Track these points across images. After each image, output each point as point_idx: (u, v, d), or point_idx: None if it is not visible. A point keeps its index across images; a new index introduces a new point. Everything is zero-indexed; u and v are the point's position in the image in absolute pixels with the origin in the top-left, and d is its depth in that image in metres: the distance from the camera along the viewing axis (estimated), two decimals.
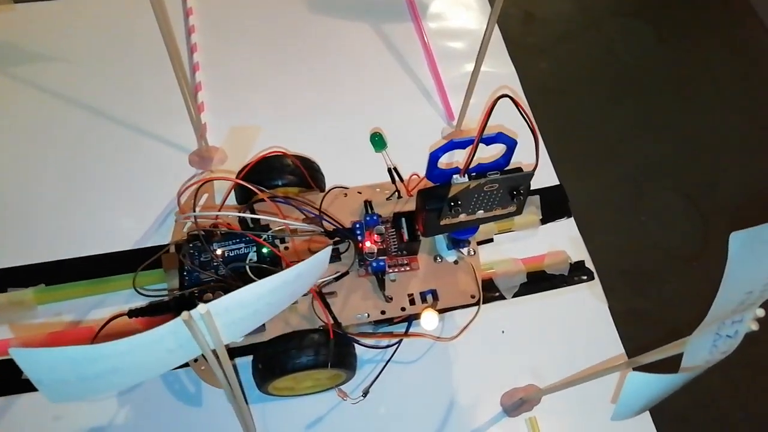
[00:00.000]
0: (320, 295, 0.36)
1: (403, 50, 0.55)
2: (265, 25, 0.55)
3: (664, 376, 0.20)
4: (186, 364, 0.36)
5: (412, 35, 0.56)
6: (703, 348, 0.21)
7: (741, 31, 0.62)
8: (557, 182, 0.49)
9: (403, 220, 0.38)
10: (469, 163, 0.33)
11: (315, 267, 0.22)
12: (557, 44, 0.59)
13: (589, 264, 0.46)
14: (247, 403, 0.37)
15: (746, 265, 0.21)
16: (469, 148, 0.34)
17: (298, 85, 0.52)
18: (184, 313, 0.18)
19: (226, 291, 0.34)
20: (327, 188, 0.42)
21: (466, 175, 0.34)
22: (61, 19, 0.52)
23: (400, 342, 0.39)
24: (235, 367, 0.35)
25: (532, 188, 0.48)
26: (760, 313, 0.19)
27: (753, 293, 0.20)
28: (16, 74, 0.49)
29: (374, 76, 0.54)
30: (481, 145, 0.34)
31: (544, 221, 0.47)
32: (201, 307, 0.18)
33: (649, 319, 0.45)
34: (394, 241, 0.39)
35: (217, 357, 0.20)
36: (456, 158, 0.49)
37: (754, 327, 0.19)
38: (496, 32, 0.57)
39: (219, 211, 0.37)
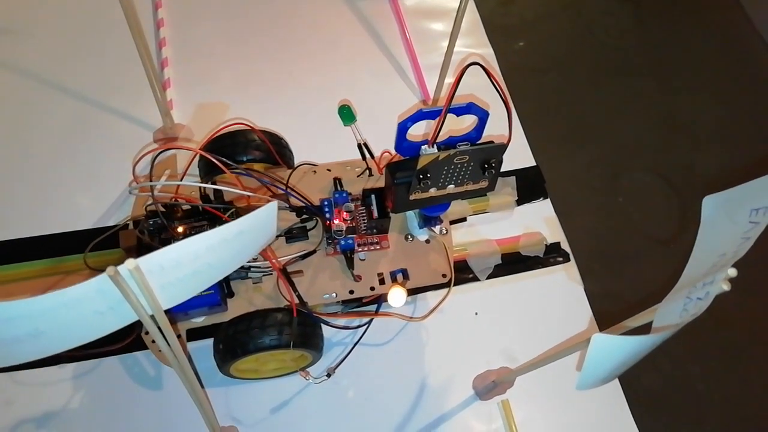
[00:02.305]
0: (284, 272, 0.34)
1: (379, 27, 0.54)
2: (234, 4, 0.53)
3: (631, 337, 0.19)
4: (145, 346, 0.35)
5: (388, 13, 0.55)
6: (674, 312, 0.19)
7: (718, 13, 0.61)
8: (534, 163, 0.48)
9: (373, 197, 0.37)
10: (437, 133, 0.32)
11: (259, 225, 0.21)
12: (536, 24, 0.58)
13: (565, 245, 0.45)
14: (201, 383, 0.35)
15: (719, 227, 0.20)
16: (438, 119, 0.32)
17: (267, 61, 0.50)
18: (110, 268, 0.16)
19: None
20: (295, 165, 0.40)
21: (435, 146, 0.32)
22: None
23: (369, 323, 0.38)
24: (182, 339, 0.34)
25: (508, 169, 0.48)
26: (732, 272, 0.18)
27: (726, 255, 0.19)
28: None
29: (348, 52, 0.52)
30: (454, 118, 0.33)
31: (519, 202, 0.46)
32: (129, 262, 0.16)
33: (624, 300, 0.44)
34: (363, 219, 0.37)
35: (156, 323, 0.19)
36: (428, 131, 0.48)
37: (726, 287, 0.18)
38: (474, 12, 0.56)
39: (178, 191, 0.35)
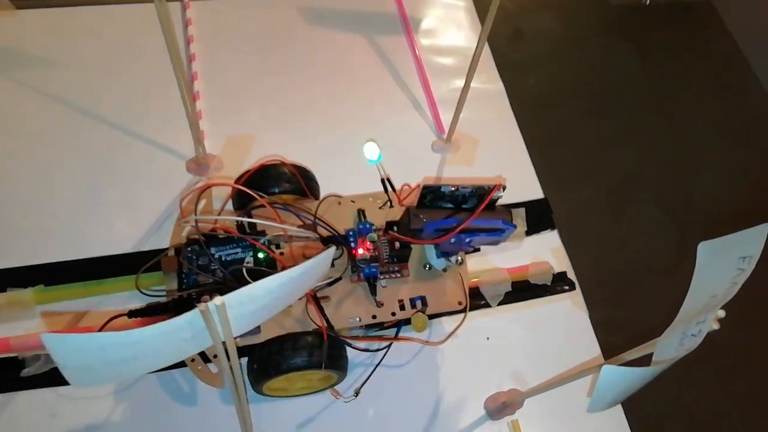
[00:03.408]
0: (315, 299, 0.37)
1: (396, 63, 0.57)
2: (261, 36, 0.57)
3: (635, 369, 0.21)
4: (182, 364, 0.38)
5: (405, 49, 0.58)
6: (671, 346, 0.22)
7: (717, 52, 0.65)
8: (542, 195, 0.51)
9: (395, 227, 0.40)
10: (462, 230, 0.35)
11: (318, 266, 0.24)
12: (544, 60, 0.61)
13: (571, 275, 0.48)
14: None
15: (711, 271, 0.23)
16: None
17: (292, 95, 0.54)
18: (202, 304, 0.19)
19: (223, 293, 0.35)
20: (321, 196, 0.43)
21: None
22: (62, 26, 0.53)
23: (389, 345, 0.41)
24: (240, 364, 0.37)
25: (518, 201, 0.51)
26: (721, 313, 0.21)
27: (716, 296, 0.22)
28: (18, 78, 0.50)
29: (367, 87, 0.55)
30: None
31: (528, 233, 0.49)
32: (217, 299, 0.19)
33: (626, 328, 0.47)
34: (386, 249, 0.40)
35: (226, 349, 0.21)
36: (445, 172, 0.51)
37: (716, 326, 0.21)
38: (486, 48, 0.59)
39: (216, 222, 0.38)
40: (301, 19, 0.58)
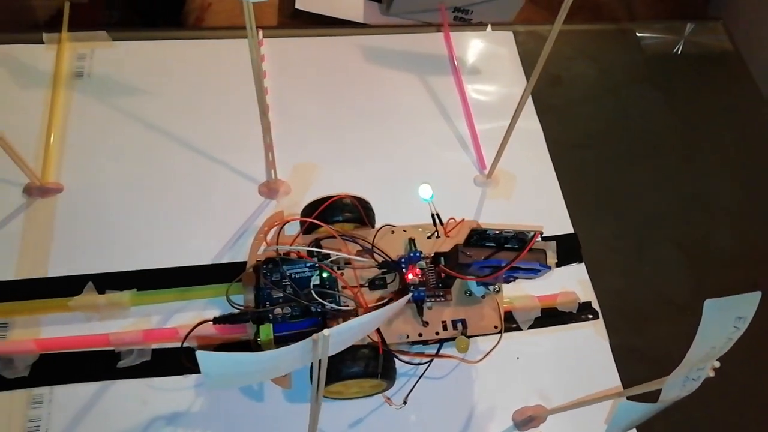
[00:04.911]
0: None
1: (444, 102, 0.63)
2: (324, 72, 0.63)
3: (646, 405, 0.27)
4: None
5: (453, 89, 0.64)
6: (676, 386, 0.28)
7: (741, 97, 0.70)
8: (571, 230, 0.57)
9: (442, 258, 0.46)
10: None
11: (394, 308, 0.30)
12: (580, 105, 0.66)
13: (595, 305, 0.53)
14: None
15: (713, 326, 0.29)
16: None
17: (351, 128, 0.60)
18: (316, 335, 0.25)
19: (292, 306, 0.42)
20: (377, 225, 0.49)
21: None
22: (154, 57, 0.60)
23: (431, 360, 0.46)
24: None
25: (549, 235, 0.56)
26: (716, 364, 0.27)
27: (715, 348, 0.27)
28: (115, 104, 0.57)
29: (418, 123, 0.61)
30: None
31: (558, 264, 0.54)
32: (326, 332, 0.25)
33: (642, 356, 0.52)
34: (432, 275, 0.46)
35: (320, 367, 0.27)
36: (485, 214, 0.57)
37: (711, 374, 0.27)
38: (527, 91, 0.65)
39: (292, 244, 0.44)
40: (361, 57, 0.64)
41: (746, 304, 0.27)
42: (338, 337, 0.26)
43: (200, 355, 0.24)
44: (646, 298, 0.55)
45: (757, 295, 0.27)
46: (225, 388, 0.32)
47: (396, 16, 0.78)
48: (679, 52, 0.71)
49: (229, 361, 0.24)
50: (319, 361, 0.28)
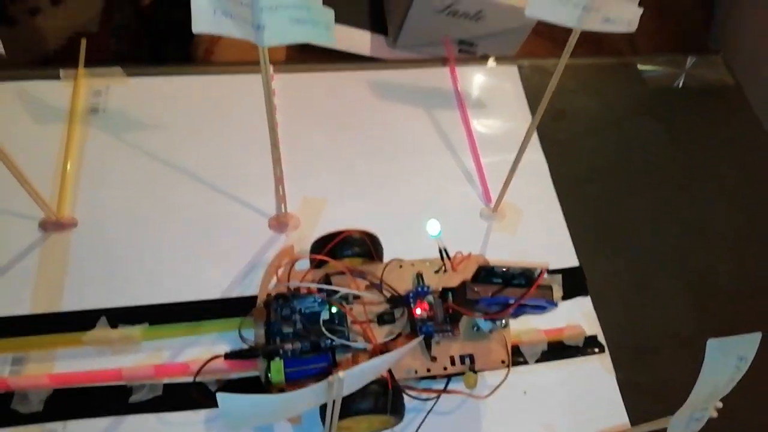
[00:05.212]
0: (383, 352, 0.44)
1: (450, 136, 0.64)
2: (333, 107, 0.65)
3: None
4: None
5: (458, 124, 0.65)
6: (681, 425, 0.28)
7: (742, 130, 0.71)
8: (577, 263, 0.57)
9: (450, 293, 0.47)
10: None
11: (405, 351, 0.31)
12: (583, 138, 0.68)
13: (601, 338, 0.53)
14: None
15: (716, 366, 0.29)
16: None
17: (359, 162, 0.61)
18: (332, 377, 0.26)
19: (302, 342, 0.42)
20: (386, 259, 0.50)
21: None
22: (167, 92, 0.62)
23: (439, 396, 0.47)
24: None
25: (555, 268, 0.57)
26: (719, 404, 0.27)
27: (718, 388, 0.28)
28: (128, 138, 0.58)
29: (425, 157, 0.62)
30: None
31: (564, 298, 0.55)
32: (341, 374, 0.26)
33: (648, 389, 0.52)
34: (440, 310, 0.47)
35: (333, 407, 0.28)
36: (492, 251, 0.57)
37: (714, 414, 0.27)
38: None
39: (302, 280, 0.45)
40: (368, 92, 0.66)
41: (747, 344, 0.28)
42: (352, 378, 0.27)
43: (221, 397, 0.25)
44: (651, 331, 0.56)
45: (757, 336, 0.28)
46: (243, 427, 0.34)
47: (402, 49, 0.80)
48: (680, 85, 0.73)
49: (247, 402, 0.25)
50: (333, 401, 0.28)
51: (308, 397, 0.26)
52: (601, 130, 0.69)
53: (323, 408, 0.44)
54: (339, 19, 0.38)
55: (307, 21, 0.37)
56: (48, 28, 1.38)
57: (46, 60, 1.35)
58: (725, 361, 0.28)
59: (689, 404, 0.29)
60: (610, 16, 0.42)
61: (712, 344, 0.29)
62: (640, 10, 0.42)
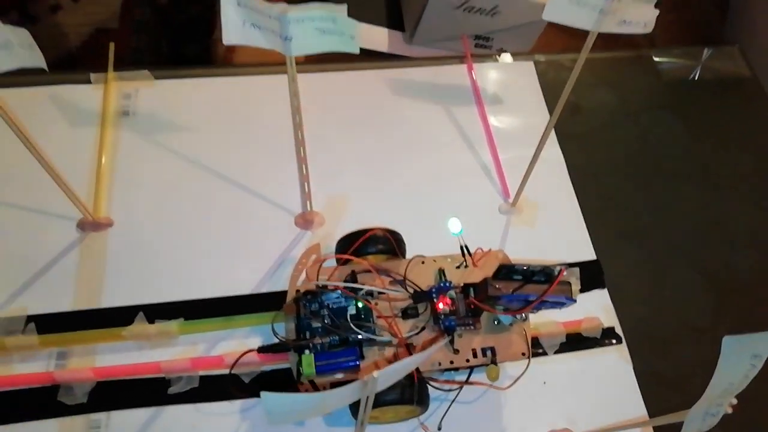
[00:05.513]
0: (407, 346, 0.46)
1: (469, 132, 0.66)
2: (354, 106, 0.66)
3: None
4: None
5: (476, 120, 0.67)
6: (697, 420, 0.30)
7: (759, 121, 0.71)
8: (594, 257, 0.59)
9: (471, 289, 0.48)
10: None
11: (433, 351, 0.33)
12: (600, 132, 0.69)
13: (618, 330, 0.55)
14: None
15: (731, 363, 0.31)
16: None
17: (379, 159, 0.63)
18: (367, 376, 0.28)
19: (331, 336, 0.44)
20: (408, 256, 0.52)
21: None
22: (193, 94, 0.64)
23: (461, 387, 0.49)
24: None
25: (573, 261, 0.58)
26: (734, 401, 0.29)
27: (733, 385, 0.29)
28: (156, 140, 0.60)
29: (444, 154, 0.64)
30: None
31: (582, 291, 0.56)
32: (375, 373, 0.28)
33: (665, 379, 0.54)
34: (462, 305, 0.49)
35: (367, 403, 0.30)
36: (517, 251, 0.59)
37: (729, 410, 0.29)
38: (547, 119, 0.67)
39: (329, 277, 0.47)
40: (387, 90, 0.67)
41: (762, 342, 0.30)
42: (384, 377, 0.29)
43: (265, 396, 0.27)
44: (668, 323, 0.57)
45: None
46: (285, 423, 0.36)
47: (419, 45, 0.81)
48: (696, 78, 0.73)
49: (289, 400, 0.27)
50: (366, 398, 0.30)
51: (345, 395, 0.28)
52: (618, 124, 0.69)
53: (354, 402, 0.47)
54: (357, 16, 0.39)
55: (333, 32, 0.38)
56: (69, 25, 1.41)
57: (68, 56, 1.38)
58: (740, 359, 0.30)
59: (705, 400, 0.30)
60: (627, 18, 0.43)
61: (728, 341, 0.31)
62: (656, 12, 0.43)
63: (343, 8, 0.37)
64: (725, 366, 0.30)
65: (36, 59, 0.36)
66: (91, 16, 1.41)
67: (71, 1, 1.42)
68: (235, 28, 0.38)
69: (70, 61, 1.37)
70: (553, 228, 0.60)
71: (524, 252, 0.57)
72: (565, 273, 0.42)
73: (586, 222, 0.61)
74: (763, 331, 0.30)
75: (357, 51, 0.40)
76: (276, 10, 0.36)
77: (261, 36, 0.39)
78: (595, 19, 0.43)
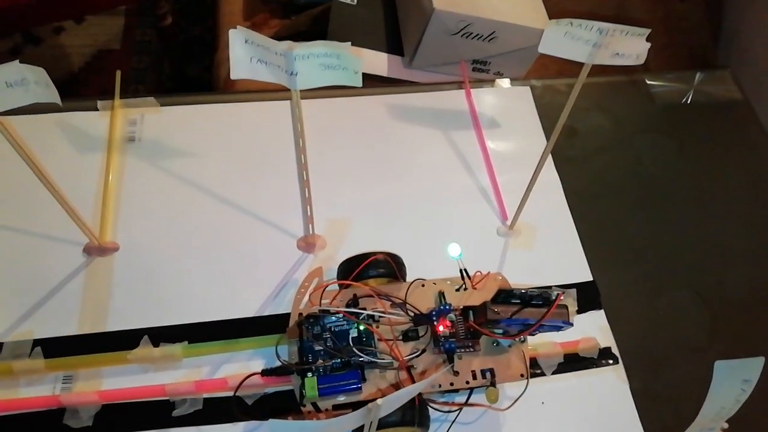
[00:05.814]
0: (408, 368, 0.47)
1: (467, 156, 0.67)
2: (355, 130, 0.67)
3: None
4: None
5: (474, 143, 0.68)
6: None
7: (751, 144, 0.73)
8: (591, 278, 0.60)
9: (471, 312, 0.49)
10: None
11: (434, 378, 0.34)
12: (595, 155, 0.70)
13: (615, 350, 0.56)
14: None
15: (723, 387, 0.32)
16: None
17: (380, 184, 0.64)
18: (372, 404, 0.29)
19: (333, 359, 0.45)
20: (409, 279, 0.53)
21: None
22: (197, 120, 0.65)
23: (461, 408, 0.50)
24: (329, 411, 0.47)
25: (570, 282, 0.59)
26: (725, 425, 0.30)
27: (724, 409, 0.30)
28: (162, 167, 0.62)
29: (443, 177, 0.65)
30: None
31: (578, 312, 0.58)
32: (379, 401, 0.29)
33: (661, 398, 0.55)
34: (462, 327, 0.50)
35: (370, 428, 0.31)
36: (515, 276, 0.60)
37: None
38: (544, 143, 0.69)
39: (332, 302, 0.48)
40: (387, 115, 0.69)
41: (751, 368, 0.31)
42: (388, 404, 0.30)
43: (272, 423, 0.28)
44: (664, 343, 0.58)
45: (760, 361, 0.31)
46: None
47: (418, 69, 0.82)
48: (689, 101, 0.75)
49: (296, 427, 0.28)
50: (370, 423, 0.31)
51: (349, 421, 0.29)
52: (613, 147, 0.71)
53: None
54: (357, 41, 0.41)
55: (337, 67, 0.40)
56: (72, 46, 1.43)
57: (71, 76, 1.40)
58: (731, 383, 0.31)
59: (696, 424, 0.31)
60: (620, 51, 0.45)
61: (719, 366, 0.32)
62: (648, 45, 0.45)
63: (347, 45, 0.39)
64: (716, 390, 0.31)
65: (51, 96, 0.38)
66: (94, 37, 1.43)
67: (74, 22, 1.44)
68: (242, 63, 0.40)
69: (73, 82, 1.39)
70: (551, 250, 0.62)
71: (522, 274, 0.58)
72: (562, 297, 0.43)
73: (582, 243, 0.62)
74: (755, 357, 0.32)
75: (360, 84, 0.41)
76: (282, 46, 0.38)
77: (267, 71, 0.41)
78: (589, 52, 0.44)
